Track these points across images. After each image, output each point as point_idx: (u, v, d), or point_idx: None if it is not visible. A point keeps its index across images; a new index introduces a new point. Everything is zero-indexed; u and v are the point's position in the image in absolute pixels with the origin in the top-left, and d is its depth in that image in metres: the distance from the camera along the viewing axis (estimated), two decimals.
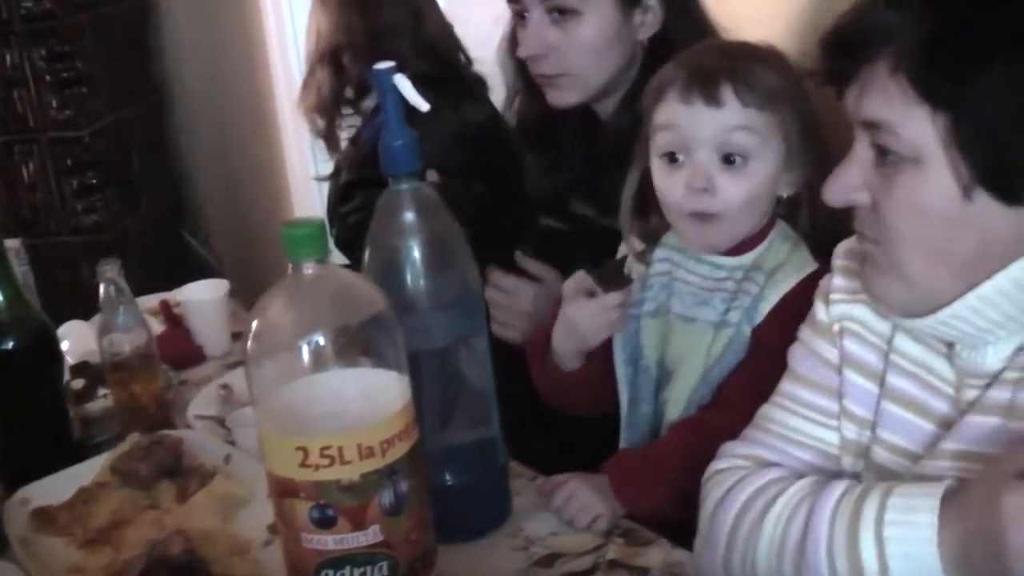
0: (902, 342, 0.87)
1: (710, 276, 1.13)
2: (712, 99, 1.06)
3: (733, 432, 0.97)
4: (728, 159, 1.07)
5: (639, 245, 1.19)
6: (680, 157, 1.09)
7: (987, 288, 0.77)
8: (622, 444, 1.18)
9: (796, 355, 0.95)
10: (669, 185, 1.11)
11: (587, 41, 1.33)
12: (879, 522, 0.77)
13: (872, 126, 0.78)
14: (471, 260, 0.97)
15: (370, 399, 0.79)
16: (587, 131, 1.40)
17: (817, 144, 1.09)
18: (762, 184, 1.08)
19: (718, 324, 1.11)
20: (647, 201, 1.17)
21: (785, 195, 1.11)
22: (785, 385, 0.95)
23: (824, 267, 0.96)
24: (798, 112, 1.08)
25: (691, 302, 1.13)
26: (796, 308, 0.99)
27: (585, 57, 1.34)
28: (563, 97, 1.37)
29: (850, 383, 0.90)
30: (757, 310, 1.09)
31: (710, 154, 1.08)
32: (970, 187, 0.75)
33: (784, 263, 1.10)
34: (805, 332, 0.95)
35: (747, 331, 1.09)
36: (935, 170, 0.76)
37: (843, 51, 0.79)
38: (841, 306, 0.91)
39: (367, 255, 0.95)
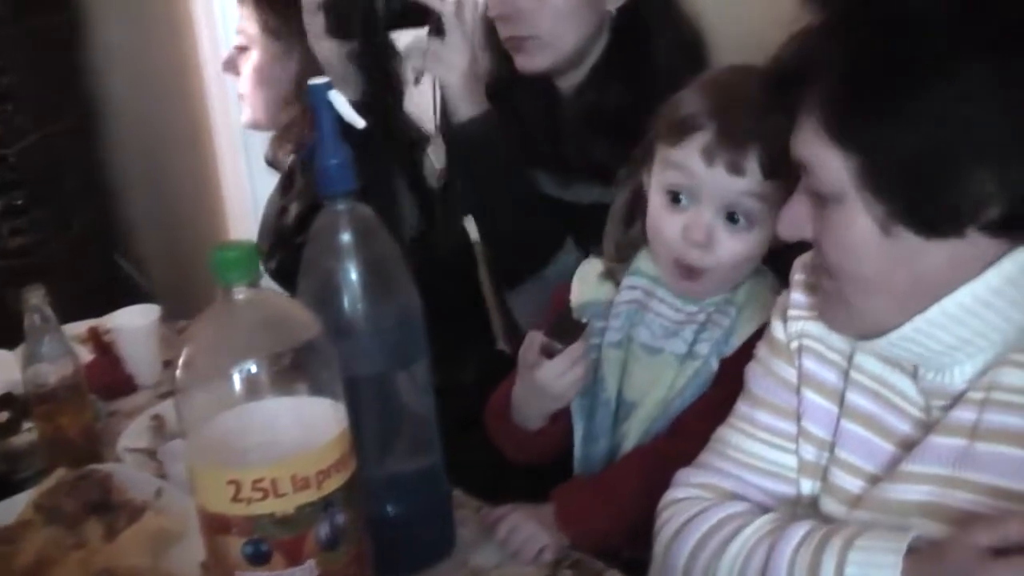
0: (863, 359, 0.88)
1: (683, 310, 1.14)
2: (736, 168, 1.05)
3: (689, 459, 0.97)
4: (732, 217, 1.08)
5: (609, 262, 1.19)
6: (684, 200, 1.09)
7: (934, 312, 0.79)
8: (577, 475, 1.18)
9: (753, 375, 0.96)
10: (665, 223, 1.11)
11: (557, 4, 1.34)
12: None
13: (799, 165, 0.81)
14: (411, 283, 0.96)
15: (305, 428, 0.78)
16: (548, 103, 1.41)
17: None
18: (759, 245, 1.09)
19: (684, 356, 1.12)
20: (631, 212, 1.17)
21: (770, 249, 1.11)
22: (742, 407, 0.96)
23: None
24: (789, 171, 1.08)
25: (660, 333, 1.14)
26: None
27: (554, 21, 1.35)
28: (532, 62, 1.37)
29: (809, 403, 0.90)
30: (728, 343, 1.10)
31: (715, 211, 1.08)
32: (887, 225, 0.78)
33: (758, 297, 1.11)
34: (762, 351, 0.96)
35: (715, 364, 1.10)
36: (854, 209, 0.78)
37: (777, 86, 0.82)
38: (799, 323, 0.92)
39: (301, 279, 0.94)
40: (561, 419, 1.17)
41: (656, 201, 1.11)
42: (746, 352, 1.05)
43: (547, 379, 1.12)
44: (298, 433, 0.78)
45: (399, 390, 0.97)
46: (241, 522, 0.76)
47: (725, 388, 1.04)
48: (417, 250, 1.49)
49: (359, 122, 0.94)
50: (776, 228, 0.85)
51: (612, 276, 1.19)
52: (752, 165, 1.05)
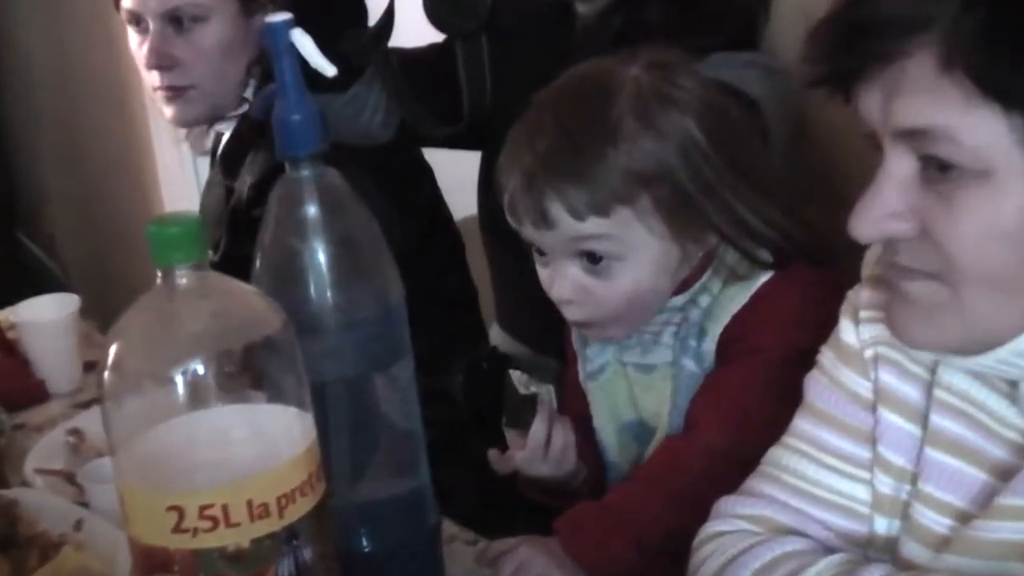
0: (949, 374, 0.86)
1: (655, 321, 1.18)
2: (543, 222, 1.11)
3: (705, 459, 0.99)
4: (592, 258, 1.12)
5: None
6: (544, 253, 1.15)
7: None
8: None
9: (816, 387, 0.95)
10: (542, 279, 1.17)
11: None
12: None
13: (917, 135, 0.76)
14: (391, 266, 0.96)
15: (263, 443, 0.79)
16: (562, 31, 1.48)
17: (719, 191, 1.11)
18: (645, 277, 1.13)
19: (673, 363, 1.16)
20: None
21: (708, 248, 1.15)
22: (802, 424, 0.95)
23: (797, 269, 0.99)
24: (674, 178, 1.10)
25: (643, 350, 1.18)
26: (766, 309, 1.08)
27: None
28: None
29: (887, 425, 0.90)
30: (707, 336, 1.14)
31: (569, 260, 1.13)
32: None
33: (719, 296, 1.15)
34: (827, 358, 0.95)
35: (688, 363, 1.15)
36: (1011, 181, 0.74)
37: (856, 46, 0.77)
38: (876, 327, 0.91)
39: (257, 260, 0.94)
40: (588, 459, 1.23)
41: (533, 255, 1.18)
42: (734, 328, 1.11)
43: (532, 471, 1.19)
44: (254, 449, 0.78)
45: (377, 397, 0.97)
46: (185, 558, 0.75)
47: (727, 363, 1.10)
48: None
49: (328, 68, 0.94)
50: (853, 229, 0.80)
51: None
52: (559, 214, 1.10)
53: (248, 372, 0.78)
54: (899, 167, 0.78)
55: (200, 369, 0.77)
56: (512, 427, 1.20)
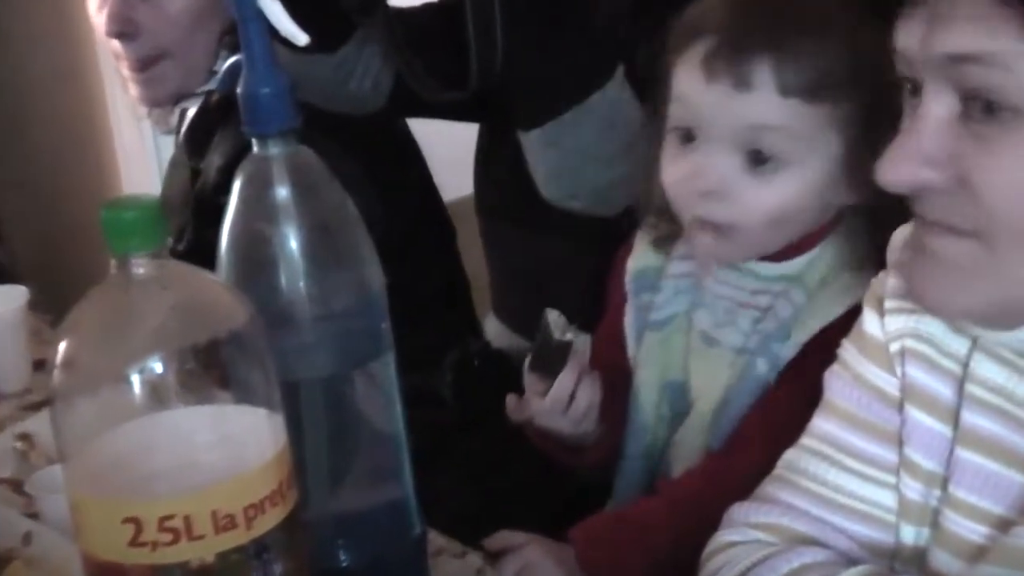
0: (981, 365, 0.86)
1: (743, 286, 1.16)
2: (742, 81, 1.06)
3: (748, 486, 0.98)
4: (756, 157, 1.08)
5: (650, 228, 1.21)
6: (697, 136, 1.11)
7: None
8: (612, 502, 1.21)
9: (837, 384, 0.95)
10: (674, 171, 1.13)
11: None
12: None
13: (967, 62, 0.75)
14: (371, 253, 0.96)
15: (229, 448, 0.78)
16: None
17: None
18: (800, 196, 1.09)
19: (739, 351, 1.14)
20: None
21: (849, 203, 1.11)
22: (822, 424, 0.96)
23: None
24: (868, 97, 1.07)
25: (720, 319, 1.16)
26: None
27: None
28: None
29: (915, 424, 0.90)
30: (785, 342, 1.11)
31: (730, 150, 1.08)
32: None
33: (833, 281, 1.12)
34: (849, 352, 0.95)
35: (762, 367, 1.12)
36: None
37: None
38: (902, 317, 0.91)
39: (223, 247, 0.94)
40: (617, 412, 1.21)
41: (667, 146, 1.14)
42: (815, 351, 1.06)
43: (548, 424, 1.18)
44: (220, 455, 0.78)
45: (356, 397, 0.97)
46: (143, 573, 0.75)
47: (797, 384, 1.06)
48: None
49: (300, 36, 0.94)
50: (883, 175, 0.79)
51: (662, 244, 1.21)
52: (763, 77, 1.06)
53: (212, 370, 0.78)
54: (938, 107, 0.77)
55: (159, 367, 0.76)
56: (537, 371, 1.18)
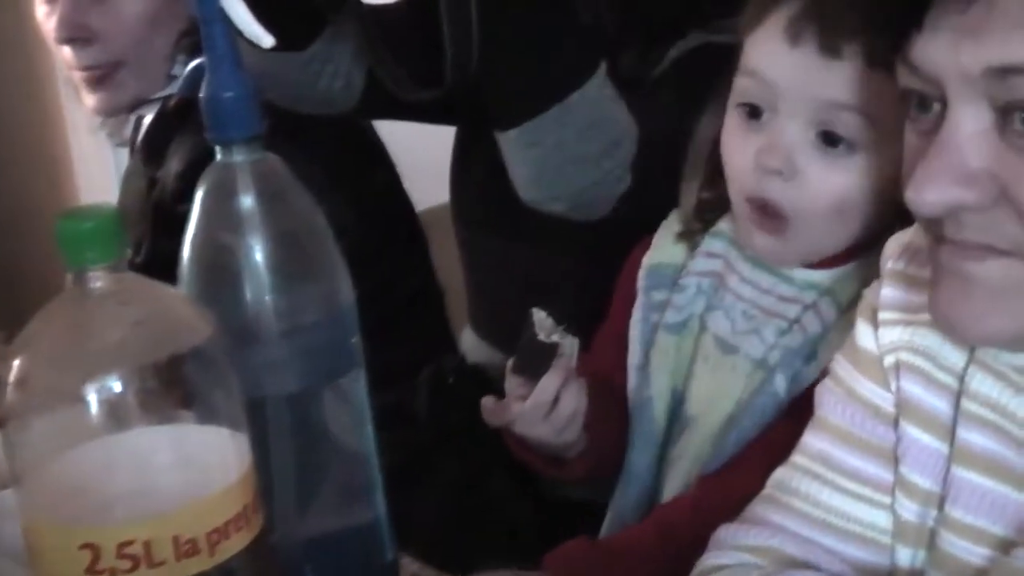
0: (978, 380, 0.86)
1: (771, 291, 1.14)
2: (831, 48, 1.03)
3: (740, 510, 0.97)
4: (828, 138, 1.06)
5: (686, 220, 1.19)
6: (765, 114, 1.08)
7: None
8: (607, 523, 1.20)
9: (829, 399, 0.96)
10: (736, 148, 1.11)
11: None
12: None
13: (1009, 75, 0.74)
14: (340, 265, 0.96)
15: (191, 470, 0.78)
16: None
17: None
18: (866, 186, 1.07)
19: (758, 363, 1.12)
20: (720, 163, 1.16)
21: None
22: (814, 442, 0.96)
23: None
24: None
25: (739, 326, 1.14)
26: None
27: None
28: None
29: (910, 441, 0.90)
30: (814, 360, 1.09)
31: (804, 126, 1.06)
32: None
33: (847, 312, 1.09)
34: (842, 366, 0.96)
35: (780, 385, 1.10)
36: None
37: None
38: (897, 329, 0.91)
39: (185, 258, 0.94)
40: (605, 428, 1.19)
41: (729, 123, 1.11)
42: None
43: (528, 430, 1.16)
44: (181, 477, 0.78)
45: (324, 415, 0.97)
46: None
47: (808, 416, 1.02)
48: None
49: (264, 38, 0.94)
50: (918, 197, 0.77)
51: (688, 238, 1.19)
52: (854, 48, 1.02)
53: (174, 388, 0.78)
54: (969, 121, 0.76)
55: (118, 385, 0.76)
56: (519, 374, 1.17)
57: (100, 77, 1.67)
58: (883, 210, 1.08)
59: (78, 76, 1.69)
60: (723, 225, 1.18)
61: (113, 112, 1.74)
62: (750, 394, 1.12)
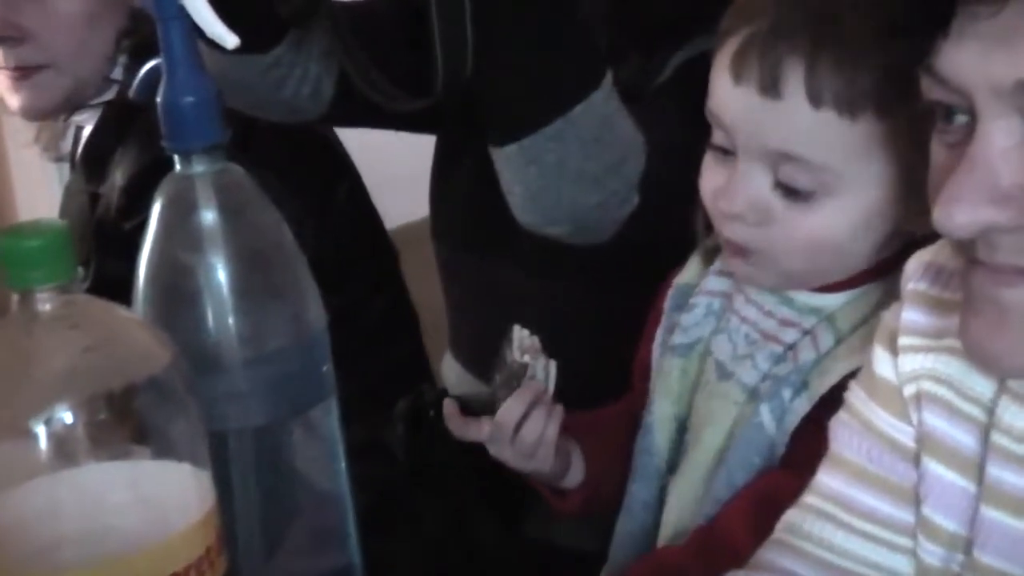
0: (1009, 412, 0.86)
1: (773, 313, 1.14)
2: (770, 86, 1.03)
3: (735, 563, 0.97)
4: (786, 191, 1.07)
5: (703, 237, 1.21)
6: (732, 149, 1.09)
7: None
8: (609, 563, 1.20)
9: (844, 433, 0.95)
10: (708, 183, 1.12)
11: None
12: None
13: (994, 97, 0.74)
14: (311, 284, 0.97)
15: (148, 510, 0.78)
16: None
17: None
18: (845, 226, 1.07)
19: (751, 392, 1.13)
20: None
21: (917, 231, 1.05)
22: (827, 479, 0.96)
23: None
24: (913, 110, 1.02)
25: (740, 350, 1.15)
26: None
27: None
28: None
29: (933, 480, 0.90)
30: (805, 391, 1.09)
31: (763, 171, 1.07)
32: None
33: (866, 322, 1.09)
34: (857, 397, 0.96)
35: (767, 420, 1.10)
36: None
37: None
38: (918, 357, 0.91)
39: (140, 279, 0.94)
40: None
41: (705, 159, 1.13)
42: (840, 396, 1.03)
43: (493, 453, 1.18)
44: (137, 517, 0.78)
45: (293, 450, 0.98)
46: None
47: (804, 455, 1.02)
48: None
49: (229, 38, 0.94)
50: (947, 219, 0.77)
51: (707, 256, 1.21)
52: (796, 85, 1.03)
53: (129, 421, 0.78)
54: (1002, 135, 0.76)
55: (67, 417, 0.76)
56: (498, 393, 1.18)
57: (25, 76, 1.66)
58: (878, 240, 1.09)
59: (4, 76, 1.68)
60: None
61: (40, 115, 1.73)
62: (739, 427, 1.12)
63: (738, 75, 1.05)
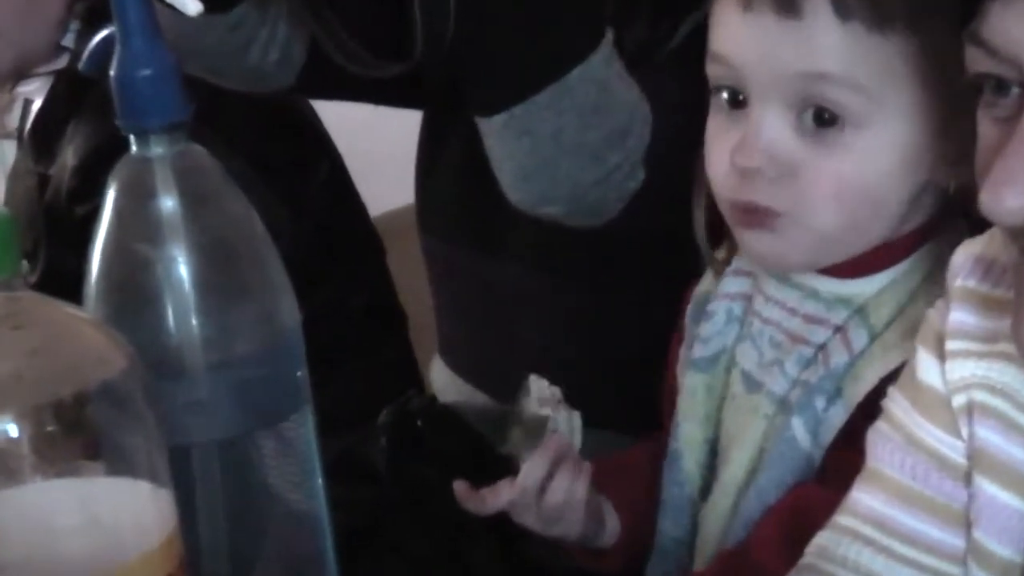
0: None
1: (798, 310, 1.14)
2: (786, 6, 1.04)
3: None
4: (817, 118, 1.07)
5: (704, 244, 1.21)
6: (744, 97, 1.09)
7: None
8: None
9: (884, 446, 0.96)
10: (714, 146, 1.12)
11: None
12: None
13: None
14: (283, 279, 0.97)
15: (102, 533, 0.78)
16: None
17: None
18: (880, 168, 1.07)
19: (781, 403, 1.13)
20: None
21: (952, 186, 1.08)
22: (864, 498, 0.96)
23: None
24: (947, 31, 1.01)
25: (767, 356, 1.15)
26: None
27: None
28: None
29: (986, 500, 0.90)
30: (839, 398, 1.09)
31: (781, 110, 1.07)
32: None
33: (902, 313, 1.09)
34: (899, 406, 0.96)
35: (798, 427, 1.10)
36: None
37: None
38: (969, 363, 0.91)
39: (93, 274, 0.94)
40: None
41: (711, 116, 1.13)
42: (864, 417, 1.04)
43: (516, 518, 1.18)
44: (89, 541, 0.78)
45: (264, 466, 0.98)
46: None
47: (841, 472, 1.02)
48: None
49: (192, 6, 0.94)
50: (996, 204, 0.77)
51: (713, 265, 1.21)
52: (816, 2, 1.03)
53: (80, 433, 0.78)
54: None
55: (11, 430, 0.76)
56: (516, 449, 1.19)
57: None
58: (911, 197, 1.09)
59: None
60: None
61: None
62: (770, 442, 1.12)
63: (747, 2, 1.06)
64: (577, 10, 1.32)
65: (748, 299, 1.17)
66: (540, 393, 1.19)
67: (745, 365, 1.16)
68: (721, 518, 1.14)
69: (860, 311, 1.11)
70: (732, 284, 1.19)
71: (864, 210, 1.09)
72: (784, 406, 1.12)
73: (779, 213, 1.08)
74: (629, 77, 1.32)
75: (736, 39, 1.08)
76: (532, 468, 1.16)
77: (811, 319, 1.13)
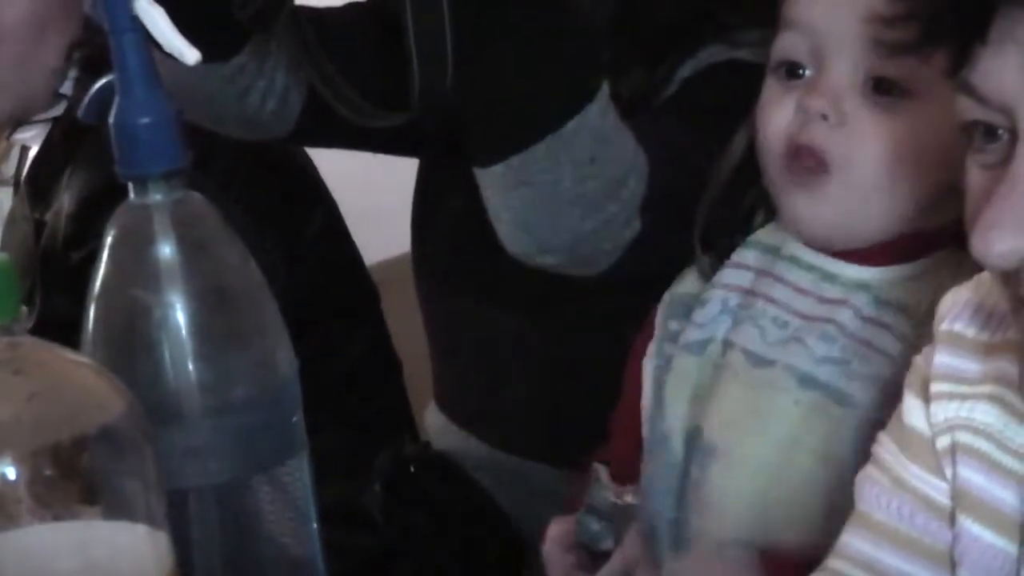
0: None
1: (813, 292, 1.15)
2: None
3: None
4: (879, 85, 1.10)
5: (698, 249, 1.23)
6: (805, 70, 1.12)
7: None
8: None
9: (871, 490, 0.96)
10: (773, 110, 1.14)
11: None
12: None
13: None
14: (280, 326, 0.97)
15: (99, 575, 0.78)
16: None
17: None
18: (923, 140, 1.10)
19: (806, 380, 1.13)
20: (751, 171, 1.19)
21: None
22: (853, 541, 0.96)
23: None
24: None
25: (771, 335, 1.15)
26: None
27: None
28: None
29: (969, 541, 0.90)
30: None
31: (852, 68, 1.10)
32: None
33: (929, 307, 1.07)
34: (886, 449, 0.96)
35: (863, 397, 1.10)
36: None
37: None
38: (953, 404, 0.92)
39: (91, 320, 0.95)
40: None
41: (766, 93, 1.15)
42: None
43: None
44: None
45: (260, 511, 0.97)
46: None
47: None
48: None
49: (188, 53, 0.95)
50: (988, 247, 0.77)
51: (702, 269, 1.22)
52: None
53: (78, 477, 0.78)
54: None
55: (9, 473, 0.76)
56: (576, 543, 1.17)
57: None
58: (933, 181, 1.11)
59: None
60: (760, 234, 1.19)
61: None
62: (805, 424, 1.12)
63: None
64: (574, 61, 1.32)
65: (746, 292, 1.18)
66: (608, 483, 1.18)
67: (747, 345, 1.16)
68: (737, 493, 1.14)
69: (898, 303, 1.13)
70: (731, 275, 1.20)
71: (905, 180, 1.11)
72: (809, 383, 1.12)
73: (828, 164, 1.11)
74: (625, 127, 1.33)
75: (818, 4, 1.11)
76: (613, 569, 1.15)
77: (829, 302, 1.14)
